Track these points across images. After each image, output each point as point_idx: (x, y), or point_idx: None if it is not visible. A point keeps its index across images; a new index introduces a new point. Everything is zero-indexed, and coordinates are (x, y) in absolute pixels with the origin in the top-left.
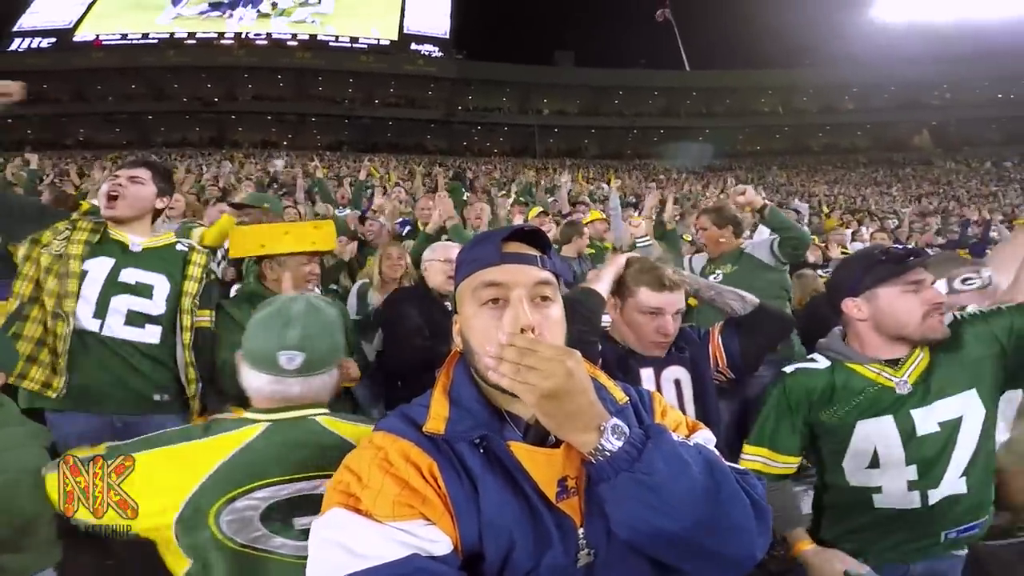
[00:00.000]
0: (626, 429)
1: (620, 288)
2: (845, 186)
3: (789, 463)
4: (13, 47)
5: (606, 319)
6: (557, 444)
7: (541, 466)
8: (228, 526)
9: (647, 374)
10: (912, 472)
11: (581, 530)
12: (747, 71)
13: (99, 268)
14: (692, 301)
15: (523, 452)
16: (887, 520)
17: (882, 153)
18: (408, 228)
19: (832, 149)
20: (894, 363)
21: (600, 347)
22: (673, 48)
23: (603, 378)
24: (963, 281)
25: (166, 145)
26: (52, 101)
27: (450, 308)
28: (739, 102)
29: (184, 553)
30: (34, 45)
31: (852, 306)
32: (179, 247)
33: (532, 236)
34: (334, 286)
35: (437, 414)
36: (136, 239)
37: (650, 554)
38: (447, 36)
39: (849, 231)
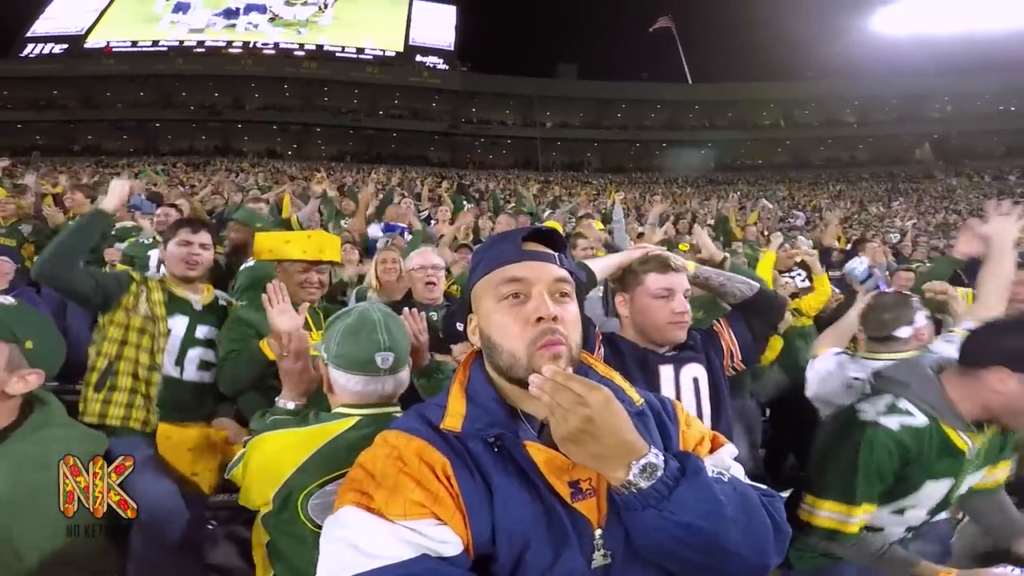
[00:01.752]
0: (659, 467)
1: (626, 282)
2: (846, 200)
3: (863, 515)
4: (26, 52)
5: (613, 324)
6: None
7: (555, 467)
8: (313, 508)
9: (667, 372)
10: (921, 520)
11: (598, 531)
12: (749, 84)
13: (177, 325)
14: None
15: (537, 452)
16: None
17: (884, 167)
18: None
19: (834, 163)
20: (978, 426)
21: (611, 338)
22: (676, 61)
23: (618, 379)
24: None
25: (173, 153)
26: (61, 107)
27: (434, 319)
28: (741, 115)
29: (266, 528)
30: (46, 51)
31: (997, 380)
32: (220, 302)
33: (549, 237)
34: (342, 296)
35: (454, 411)
36: (194, 297)
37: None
38: (451, 48)
39: (847, 246)
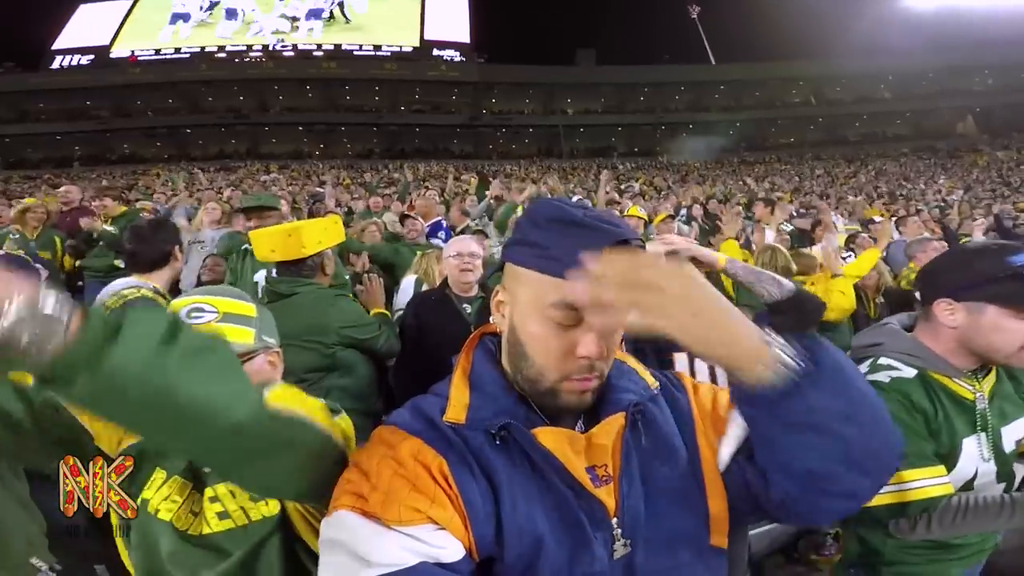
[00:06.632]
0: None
1: None
2: (887, 176)
3: (940, 475)
4: (55, 65)
5: None
6: (585, 431)
7: (572, 452)
8: None
9: (680, 357)
10: (1001, 490)
11: (615, 520)
12: (774, 63)
13: None
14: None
15: (550, 437)
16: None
17: (925, 141)
18: (440, 231)
19: (871, 138)
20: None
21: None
22: (697, 43)
23: (631, 362)
24: None
25: (204, 158)
26: (94, 117)
27: (467, 311)
28: (769, 94)
29: None
30: (74, 62)
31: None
32: None
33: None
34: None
35: (457, 402)
36: None
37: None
38: (467, 41)
39: (892, 220)
